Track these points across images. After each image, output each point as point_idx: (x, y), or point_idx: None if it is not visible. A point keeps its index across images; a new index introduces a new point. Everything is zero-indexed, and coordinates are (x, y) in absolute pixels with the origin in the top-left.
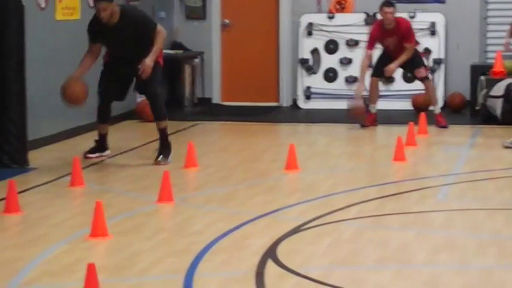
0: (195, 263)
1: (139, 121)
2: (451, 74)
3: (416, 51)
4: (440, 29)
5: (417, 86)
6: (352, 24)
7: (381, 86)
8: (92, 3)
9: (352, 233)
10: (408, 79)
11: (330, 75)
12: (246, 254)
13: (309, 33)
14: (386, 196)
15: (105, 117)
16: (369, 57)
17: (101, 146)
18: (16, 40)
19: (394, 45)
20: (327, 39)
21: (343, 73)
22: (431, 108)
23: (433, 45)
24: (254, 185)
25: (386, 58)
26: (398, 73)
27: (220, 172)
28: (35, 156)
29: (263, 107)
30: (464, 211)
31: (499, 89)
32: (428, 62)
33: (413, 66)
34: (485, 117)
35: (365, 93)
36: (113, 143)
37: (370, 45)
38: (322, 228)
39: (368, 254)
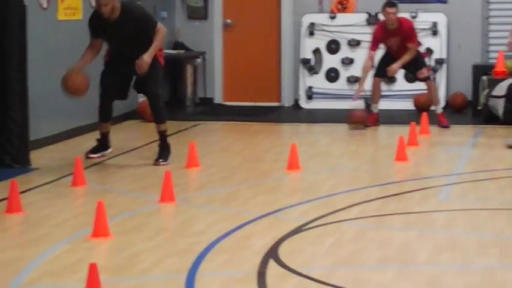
0: (196, 263)
1: (141, 121)
2: (453, 74)
3: (418, 52)
4: (442, 29)
5: (419, 86)
6: (354, 24)
7: (383, 86)
8: (94, 4)
9: (354, 233)
10: (410, 79)
11: (332, 75)
12: (247, 254)
13: (311, 33)
14: (388, 196)
15: (106, 116)
16: (371, 58)
17: (103, 144)
18: (18, 40)
19: (397, 45)
20: (329, 39)
21: (344, 73)
22: (433, 108)
23: (435, 45)
24: (256, 185)
25: (388, 58)
26: (400, 73)
27: (222, 172)
28: (36, 156)
29: (265, 107)
30: (466, 211)
31: (501, 89)
32: (430, 62)
33: (415, 67)
34: (487, 117)
35: (364, 93)
36: (114, 143)
37: (374, 46)
38: (324, 228)
39: (370, 254)
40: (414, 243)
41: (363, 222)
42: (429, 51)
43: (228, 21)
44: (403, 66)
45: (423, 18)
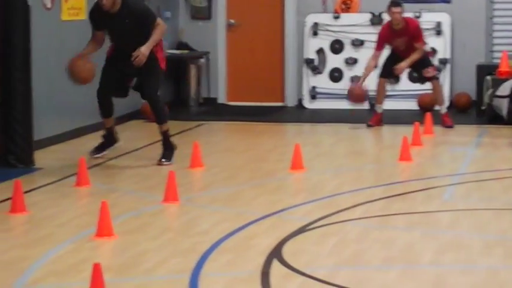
0: (200, 263)
1: (145, 121)
2: (457, 73)
3: (424, 51)
4: (446, 28)
5: (423, 86)
6: (357, 24)
7: (387, 86)
8: None
9: (357, 233)
10: (414, 79)
11: (336, 75)
12: (251, 254)
13: (315, 33)
14: (392, 196)
15: (107, 111)
16: (376, 57)
17: (109, 139)
18: (22, 40)
19: (405, 45)
20: (333, 39)
21: (348, 73)
22: (437, 108)
23: (439, 45)
24: (259, 185)
25: (394, 59)
26: (404, 73)
27: (226, 172)
28: (40, 156)
29: (268, 107)
30: (470, 211)
31: (505, 88)
32: (434, 61)
33: (422, 66)
34: (491, 117)
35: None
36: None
37: (379, 46)
38: (328, 228)
39: (374, 254)
40: (418, 243)
41: (367, 222)
42: (433, 51)
43: (232, 21)
44: (410, 66)
45: (427, 18)
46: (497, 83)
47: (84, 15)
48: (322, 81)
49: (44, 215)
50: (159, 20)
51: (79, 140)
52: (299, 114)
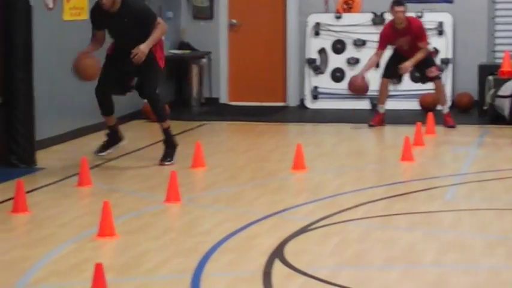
0: (202, 263)
1: (146, 121)
2: (459, 73)
3: (428, 51)
4: (448, 28)
5: (425, 86)
6: (359, 24)
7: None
8: None
9: (359, 233)
10: (416, 79)
11: (337, 75)
12: (253, 254)
13: (316, 33)
14: (394, 196)
15: (107, 109)
16: (379, 55)
17: (113, 138)
18: (24, 40)
19: (408, 45)
20: (334, 39)
21: (350, 73)
22: (439, 107)
23: (441, 45)
24: (261, 184)
25: (397, 59)
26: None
27: (228, 172)
28: (42, 156)
29: (270, 107)
30: (472, 211)
31: (507, 88)
32: (436, 61)
33: (425, 66)
34: (493, 117)
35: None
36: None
37: (381, 45)
38: (330, 228)
39: (376, 254)
40: (420, 243)
41: (369, 222)
42: (435, 51)
43: (234, 21)
44: (414, 65)
45: (429, 18)
46: (499, 83)
47: (85, 15)
48: (324, 81)
49: (46, 215)
50: (159, 20)
51: (81, 140)
52: (301, 114)
